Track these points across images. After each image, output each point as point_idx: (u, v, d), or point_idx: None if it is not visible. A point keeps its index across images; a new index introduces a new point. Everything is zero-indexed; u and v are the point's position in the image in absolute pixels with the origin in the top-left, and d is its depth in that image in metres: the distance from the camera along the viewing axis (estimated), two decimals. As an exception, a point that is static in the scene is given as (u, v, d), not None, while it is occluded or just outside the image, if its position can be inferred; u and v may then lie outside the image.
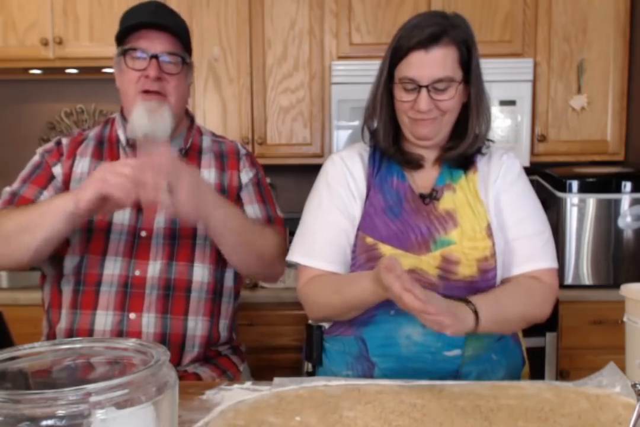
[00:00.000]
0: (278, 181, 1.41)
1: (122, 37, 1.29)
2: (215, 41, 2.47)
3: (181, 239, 1.31)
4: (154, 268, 1.28)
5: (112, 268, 1.27)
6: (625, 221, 2.24)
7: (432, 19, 1.15)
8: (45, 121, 2.83)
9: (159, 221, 1.31)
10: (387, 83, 1.19)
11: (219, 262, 1.34)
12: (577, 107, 2.45)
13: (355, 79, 2.38)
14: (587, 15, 2.43)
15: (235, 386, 1.02)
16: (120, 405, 0.56)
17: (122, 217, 1.30)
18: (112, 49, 2.39)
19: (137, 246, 1.29)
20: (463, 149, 1.20)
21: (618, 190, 2.24)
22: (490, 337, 1.17)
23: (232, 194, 1.38)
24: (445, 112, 1.16)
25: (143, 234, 1.30)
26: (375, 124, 1.23)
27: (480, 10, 2.45)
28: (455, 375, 1.14)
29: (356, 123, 2.42)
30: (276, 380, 1.02)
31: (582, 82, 2.45)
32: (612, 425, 0.84)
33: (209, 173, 1.39)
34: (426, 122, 1.17)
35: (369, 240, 1.17)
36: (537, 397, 0.93)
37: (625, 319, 1.06)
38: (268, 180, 1.51)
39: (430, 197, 1.20)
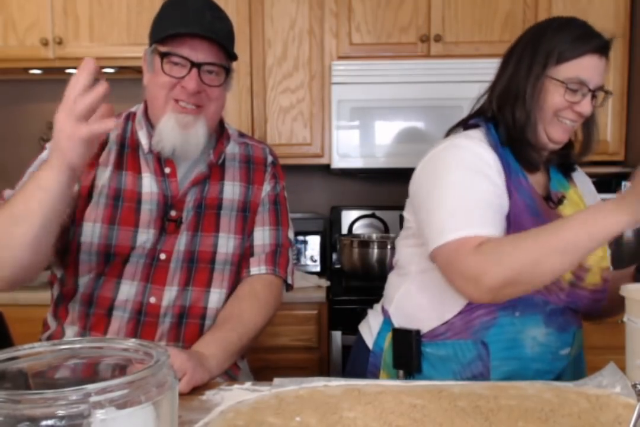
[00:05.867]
0: (285, 187, 1.41)
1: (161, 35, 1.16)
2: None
3: (199, 263, 1.24)
4: (169, 295, 1.22)
5: (127, 293, 1.21)
6: (625, 221, 2.24)
7: (594, 30, 1.18)
8: (45, 121, 2.82)
9: (180, 243, 1.23)
10: (538, 77, 1.14)
11: (234, 288, 1.28)
12: (577, 107, 2.45)
13: (355, 79, 2.39)
14: (587, 15, 2.40)
15: (235, 386, 1.02)
16: (120, 405, 0.56)
17: (145, 240, 1.21)
18: (112, 49, 2.43)
19: (154, 268, 1.22)
20: (577, 156, 1.24)
21: (618, 190, 2.24)
22: (582, 333, 1.22)
23: (254, 211, 1.31)
24: (586, 118, 1.18)
25: (162, 256, 1.22)
26: (517, 114, 1.15)
27: (480, 10, 2.44)
28: (561, 373, 1.17)
29: (356, 123, 2.42)
30: (276, 380, 1.02)
31: (582, 82, 2.44)
32: (612, 425, 0.84)
33: (232, 187, 1.29)
34: (570, 127, 1.16)
35: None
36: (537, 398, 0.93)
37: (625, 319, 1.06)
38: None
39: (555, 201, 1.19)
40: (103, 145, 1.24)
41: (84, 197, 1.21)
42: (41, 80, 2.78)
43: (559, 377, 1.16)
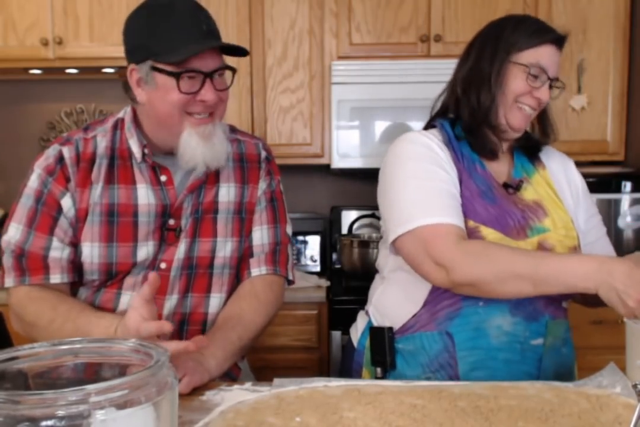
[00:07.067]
0: (280, 182, 1.41)
1: (162, 49, 1.08)
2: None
3: (198, 269, 1.22)
4: (170, 304, 1.21)
5: (127, 304, 1.18)
6: (625, 221, 2.24)
7: (549, 25, 1.22)
8: (45, 121, 2.83)
9: (180, 251, 1.21)
10: (502, 62, 1.18)
11: (234, 291, 1.27)
12: (577, 107, 2.45)
13: (355, 79, 2.38)
14: (587, 15, 2.42)
15: (235, 386, 1.02)
16: (120, 406, 0.56)
17: (145, 253, 1.19)
18: (112, 49, 2.43)
19: None
20: (536, 141, 1.27)
21: (618, 190, 2.24)
22: (563, 325, 1.20)
23: (250, 211, 1.29)
24: (543, 106, 1.22)
25: (163, 265, 1.20)
26: (483, 97, 1.18)
27: (480, 10, 2.44)
28: (538, 366, 1.15)
29: (356, 123, 2.42)
30: (276, 380, 1.02)
31: (582, 82, 2.45)
32: (612, 425, 0.84)
33: (227, 190, 1.26)
34: (528, 114, 1.19)
35: (471, 223, 1.13)
36: (537, 398, 0.93)
37: (625, 319, 1.06)
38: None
39: (514, 187, 1.21)
40: (92, 160, 1.20)
41: (83, 219, 1.18)
42: (41, 80, 2.78)
43: (537, 370, 1.15)
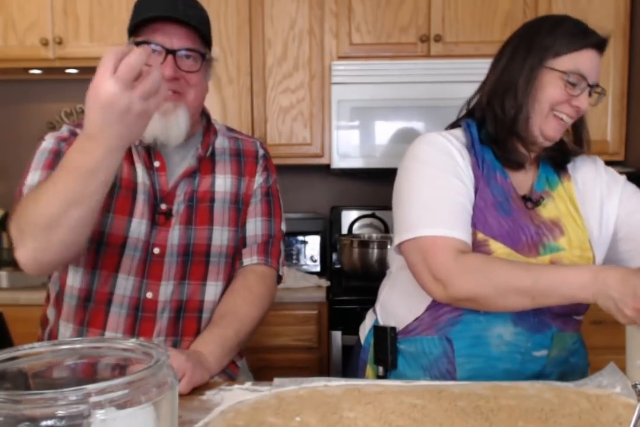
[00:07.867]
0: (277, 181, 1.42)
1: (136, 28, 1.16)
2: (215, 41, 2.46)
3: (194, 256, 1.24)
4: (165, 290, 1.21)
5: (124, 288, 1.20)
6: (626, 221, 2.23)
7: (590, 27, 1.16)
8: (45, 121, 2.83)
9: (173, 237, 1.22)
10: (534, 68, 1.11)
11: (231, 279, 1.28)
12: (577, 107, 2.45)
13: (355, 79, 2.39)
14: (587, 15, 2.42)
15: (235, 386, 1.02)
16: (120, 405, 0.55)
17: (138, 231, 1.20)
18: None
19: (149, 263, 1.21)
20: (569, 152, 1.20)
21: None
22: (572, 337, 1.17)
23: (246, 203, 1.31)
24: (581, 115, 1.15)
25: (156, 251, 1.21)
26: (507, 106, 1.13)
27: (480, 10, 2.44)
28: (538, 376, 1.13)
29: (356, 123, 2.42)
30: (276, 380, 1.02)
31: (582, 82, 2.44)
32: (612, 425, 0.84)
33: (224, 180, 1.29)
34: (565, 124, 1.13)
35: (480, 236, 1.10)
36: (537, 398, 0.93)
37: (625, 320, 1.06)
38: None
39: (533, 202, 1.16)
40: None
41: None
42: (41, 80, 2.78)
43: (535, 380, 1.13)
